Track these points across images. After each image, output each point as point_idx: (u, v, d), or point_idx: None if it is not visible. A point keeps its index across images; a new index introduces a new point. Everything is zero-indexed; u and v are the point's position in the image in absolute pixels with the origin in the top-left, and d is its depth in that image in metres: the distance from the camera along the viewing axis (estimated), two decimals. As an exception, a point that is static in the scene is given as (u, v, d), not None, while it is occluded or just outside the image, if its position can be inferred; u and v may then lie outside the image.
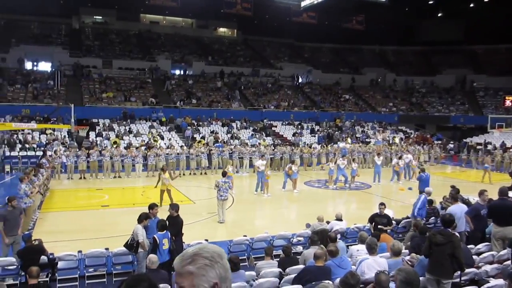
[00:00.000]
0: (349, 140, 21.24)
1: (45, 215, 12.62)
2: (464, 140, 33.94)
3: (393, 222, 9.88)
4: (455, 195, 9.28)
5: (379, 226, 9.11)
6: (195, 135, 26.76)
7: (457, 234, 6.87)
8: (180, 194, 16.17)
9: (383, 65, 46.90)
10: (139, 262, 7.76)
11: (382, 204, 9.64)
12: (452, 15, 39.27)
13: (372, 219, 9.53)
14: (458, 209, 8.42)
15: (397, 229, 10.25)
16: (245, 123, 30.43)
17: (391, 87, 43.13)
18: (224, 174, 12.80)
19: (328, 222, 9.86)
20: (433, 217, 10.55)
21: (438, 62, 45.84)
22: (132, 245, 7.76)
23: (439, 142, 32.65)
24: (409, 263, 6.56)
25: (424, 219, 10.09)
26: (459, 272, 5.92)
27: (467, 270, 6.08)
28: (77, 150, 20.43)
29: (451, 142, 34.25)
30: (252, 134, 28.61)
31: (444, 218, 6.46)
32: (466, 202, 9.93)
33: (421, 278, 5.04)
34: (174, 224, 8.06)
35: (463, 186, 12.40)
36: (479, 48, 44.96)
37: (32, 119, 24.40)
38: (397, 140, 29.96)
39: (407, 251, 7.39)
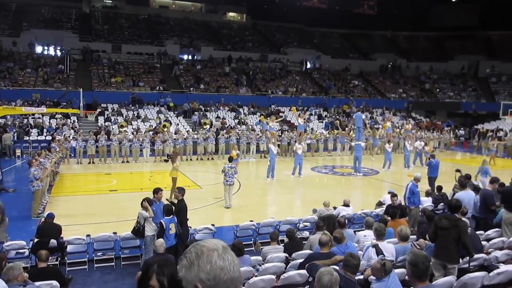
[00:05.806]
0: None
1: (55, 199, 12.75)
2: (475, 127, 33.51)
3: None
4: (463, 182, 9.05)
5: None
6: (202, 121, 26.69)
7: (465, 219, 6.78)
8: (187, 179, 16.23)
9: (394, 51, 46.20)
10: (147, 246, 7.83)
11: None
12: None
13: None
14: (466, 196, 8.35)
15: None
16: (252, 109, 30.29)
17: (401, 73, 42.55)
18: (230, 159, 12.76)
19: (335, 208, 9.84)
20: (442, 204, 10.42)
21: (451, 48, 45.04)
22: (139, 230, 7.84)
23: (449, 128, 32.30)
24: (418, 248, 6.51)
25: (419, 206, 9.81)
26: (467, 257, 5.85)
27: (476, 256, 6.00)
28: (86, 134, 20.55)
29: (462, 128, 33.84)
30: (259, 120, 28.45)
31: (451, 203, 6.37)
32: (477, 188, 9.74)
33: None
34: (178, 208, 8.09)
35: (472, 172, 12.24)
36: (494, 34, 44.03)
37: (43, 103, 24.45)
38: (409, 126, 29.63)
39: (414, 236, 7.34)
